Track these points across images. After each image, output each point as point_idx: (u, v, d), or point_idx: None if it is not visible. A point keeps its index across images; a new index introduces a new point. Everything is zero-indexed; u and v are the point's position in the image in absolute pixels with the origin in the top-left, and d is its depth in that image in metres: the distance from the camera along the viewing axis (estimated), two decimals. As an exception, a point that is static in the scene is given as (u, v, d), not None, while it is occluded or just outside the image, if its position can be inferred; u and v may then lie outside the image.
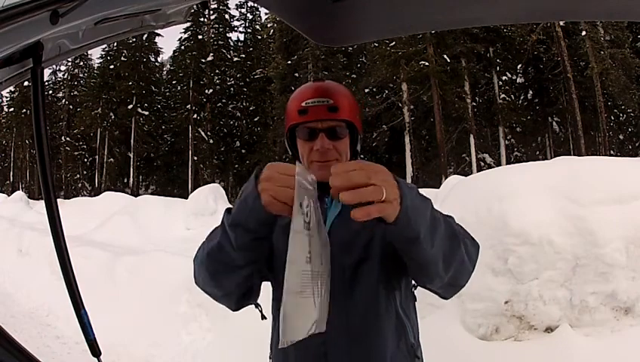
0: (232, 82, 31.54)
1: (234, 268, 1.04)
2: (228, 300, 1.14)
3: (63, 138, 34.08)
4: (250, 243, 0.98)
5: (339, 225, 1.18)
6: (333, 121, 1.16)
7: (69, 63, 35.72)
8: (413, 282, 1.23)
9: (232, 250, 0.99)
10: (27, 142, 35.59)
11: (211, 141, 30.31)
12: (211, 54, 30.93)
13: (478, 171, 16.29)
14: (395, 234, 0.90)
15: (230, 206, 1.13)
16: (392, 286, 1.18)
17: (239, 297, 1.13)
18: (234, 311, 1.19)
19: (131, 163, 31.88)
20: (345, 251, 1.16)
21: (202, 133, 30.26)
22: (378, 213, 0.82)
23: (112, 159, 32.25)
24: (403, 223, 0.87)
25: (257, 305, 1.24)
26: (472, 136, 22.25)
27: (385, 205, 0.82)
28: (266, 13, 32.06)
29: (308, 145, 1.18)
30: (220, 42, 32.08)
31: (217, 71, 31.25)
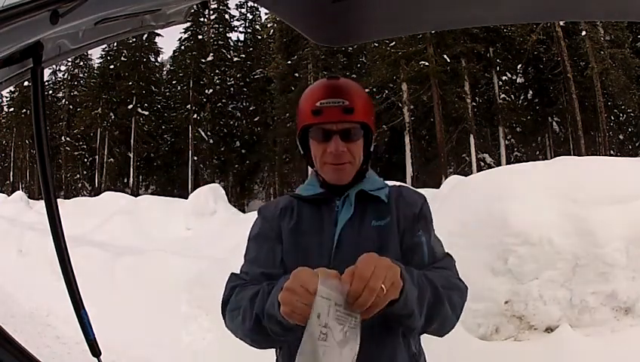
0: (232, 82, 31.53)
1: (274, 340, 1.07)
2: (261, 348, 1.18)
3: (63, 138, 34.04)
4: (283, 332, 1.01)
5: (350, 229, 1.17)
6: (347, 123, 1.13)
7: (69, 63, 35.70)
8: None
9: (270, 331, 1.03)
10: (27, 142, 35.55)
11: (211, 141, 30.30)
12: (211, 54, 30.91)
13: (478, 171, 16.28)
14: (389, 312, 0.96)
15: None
16: None
17: None
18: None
19: (131, 163, 31.87)
20: (355, 255, 1.12)
21: (202, 133, 30.25)
22: (383, 305, 0.91)
23: (112, 159, 32.23)
24: (400, 306, 0.96)
25: None
26: (472, 136, 22.24)
27: (385, 299, 0.91)
28: (266, 13, 32.07)
29: (321, 146, 1.15)
30: (220, 42, 32.06)
31: (217, 71, 31.23)
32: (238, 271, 1.24)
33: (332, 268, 1.13)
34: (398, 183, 1.33)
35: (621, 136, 23.38)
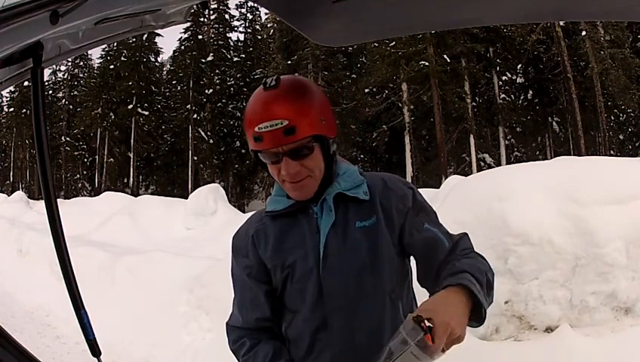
0: (232, 82, 31.52)
1: None
2: None
3: (63, 138, 34.05)
4: None
5: (335, 235, 1.10)
6: (293, 143, 1.02)
7: (69, 63, 35.72)
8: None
9: None
10: (27, 142, 35.54)
11: (211, 141, 30.29)
12: (211, 54, 30.90)
13: (478, 171, 16.29)
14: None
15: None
16: (397, 295, 1.14)
17: None
18: None
19: (131, 163, 31.87)
20: (345, 262, 1.09)
21: (202, 133, 30.24)
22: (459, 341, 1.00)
23: (112, 159, 32.23)
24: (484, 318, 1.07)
25: None
26: (472, 136, 22.23)
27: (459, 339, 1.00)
28: (266, 13, 32.06)
29: (275, 167, 1.06)
30: (220, 42, 32.06)
31: (217, 71, 31.21)
32: (231, 316, 1.23)
33: (321, 280, 1.09)
34: (379, 173, 1.20)
35: (621, 136, 23.38)
